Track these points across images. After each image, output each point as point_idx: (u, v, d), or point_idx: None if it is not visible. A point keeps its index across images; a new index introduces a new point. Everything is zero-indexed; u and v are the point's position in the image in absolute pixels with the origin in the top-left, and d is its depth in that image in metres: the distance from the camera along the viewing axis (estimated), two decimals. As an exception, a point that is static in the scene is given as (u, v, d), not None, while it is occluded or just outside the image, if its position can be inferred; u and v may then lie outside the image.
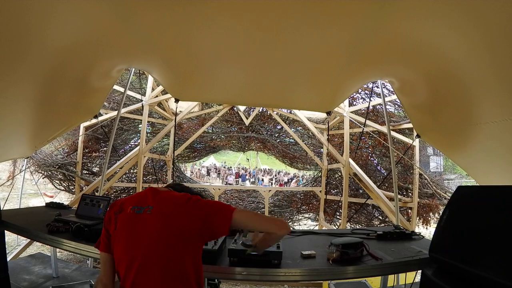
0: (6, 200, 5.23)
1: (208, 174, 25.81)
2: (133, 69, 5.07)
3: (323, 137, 7.72)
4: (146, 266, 1.40)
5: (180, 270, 1.43)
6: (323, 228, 7.04)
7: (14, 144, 3.86)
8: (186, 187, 1.75)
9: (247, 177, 23.67)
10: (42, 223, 2.55)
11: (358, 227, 7.33)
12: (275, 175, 26.35)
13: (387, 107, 6.86)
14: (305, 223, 9.24)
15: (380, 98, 6.16)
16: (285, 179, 23.64)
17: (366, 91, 7.53)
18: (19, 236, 5.82)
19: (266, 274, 1.94)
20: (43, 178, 7.23)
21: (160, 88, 6.94)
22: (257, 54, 2.99)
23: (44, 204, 3.49)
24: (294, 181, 21.43)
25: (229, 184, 19.19)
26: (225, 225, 1.46)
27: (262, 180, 23.75)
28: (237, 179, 22.36)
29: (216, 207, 1.50)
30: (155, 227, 1.43)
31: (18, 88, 2.68)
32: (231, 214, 1.46)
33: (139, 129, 7.67)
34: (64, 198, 7.83)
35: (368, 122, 6.63)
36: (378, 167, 7.91)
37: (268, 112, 8.29)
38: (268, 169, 29.32)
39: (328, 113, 5.03)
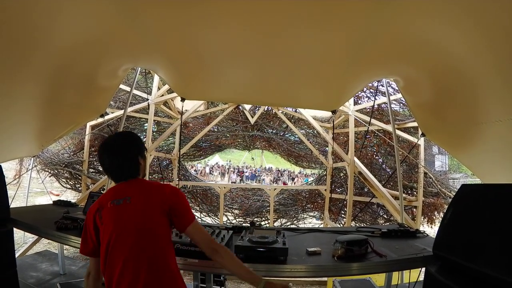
0: (13, 199, 5.29)
1: (211, 172, 25.85)
2: (139, 68, 5.09)
3: (328, 135, 7.71)
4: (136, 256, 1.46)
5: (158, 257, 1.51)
6: (328, 226, 7.04)
7: (21, 143, 3.89)
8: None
9: (256, 175, 23.66)
10: (50, 221, 2.60)
11: (363, 225, 7.33)
12: (280, 174, 26.29)
13: (392, 105, 6.82)
14: (310, 222, 9.25)
15: (385, 96, 6.13)
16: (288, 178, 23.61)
17: (371, 90, 7.50)
18: (25, 234, 5.88)
19: (272, 270, 1.97)
20: (49, 176, 7.31)
21: (166, 87, 6.95)
22: (262, 53, 3.00)
23: (51, 202, 3.53)
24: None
25: (233, 182, 19.26)
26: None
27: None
28: (241, 177, 22.39)
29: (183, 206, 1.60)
30: (135, 216, 1.50)
31: (24, 88, 2.70)
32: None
33: (145, 128, 7.68)
34: (70, 196, 7.89)
35: (373, 120, 6.59)
36: (383, 166, 7.89)
37: (273, 111, 8.27)
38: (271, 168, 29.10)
39: (333, 112, 5.03)
